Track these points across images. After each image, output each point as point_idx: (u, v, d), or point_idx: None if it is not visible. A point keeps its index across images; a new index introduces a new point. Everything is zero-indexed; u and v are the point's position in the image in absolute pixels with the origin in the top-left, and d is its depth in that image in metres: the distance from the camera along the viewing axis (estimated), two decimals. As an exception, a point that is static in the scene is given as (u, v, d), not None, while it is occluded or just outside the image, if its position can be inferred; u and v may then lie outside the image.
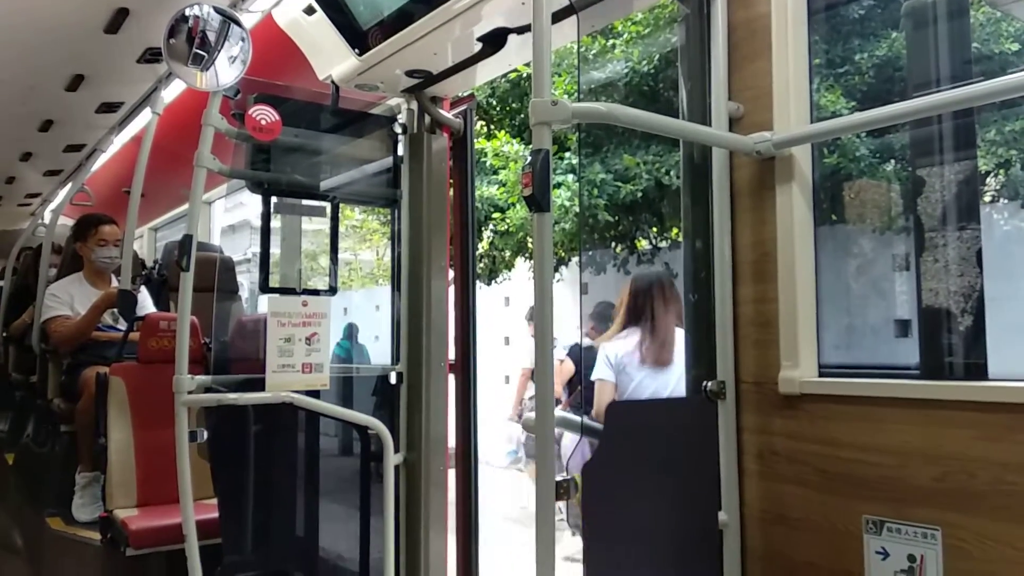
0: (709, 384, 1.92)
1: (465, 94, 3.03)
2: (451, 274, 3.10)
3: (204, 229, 6.45)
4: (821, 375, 1.82)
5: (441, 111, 2.94)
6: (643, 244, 7.54)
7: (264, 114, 2.57)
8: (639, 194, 6.59)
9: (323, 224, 3.06)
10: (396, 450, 2.72)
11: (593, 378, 3.67)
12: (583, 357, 5.27)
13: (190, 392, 2.47)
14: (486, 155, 7.47)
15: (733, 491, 1.90)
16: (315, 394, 2.57)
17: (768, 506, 1.86)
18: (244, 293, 6.48)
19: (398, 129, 3.00)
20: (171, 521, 2.69)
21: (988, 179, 5.95)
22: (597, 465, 1.65)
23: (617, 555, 1.71)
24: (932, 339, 1.72)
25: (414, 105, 2.96)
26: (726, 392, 1.91)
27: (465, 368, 3.01)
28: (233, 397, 2.50)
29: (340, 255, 3.03)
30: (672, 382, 3.47)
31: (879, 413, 1.67)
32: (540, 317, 1.54)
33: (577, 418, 1.73)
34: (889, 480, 1.64)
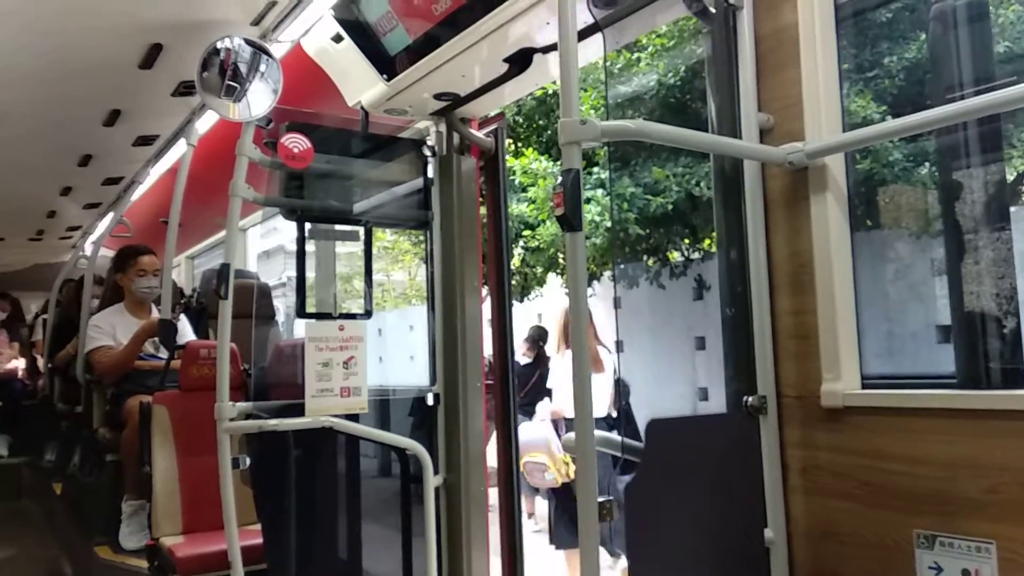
0: (750, 399, 1.89)
1: (494, 113, 3.05)
2: (484, 292, 3.11)
3: (240, 256, 6.55)
4: (864, 387, 1.79)
5: (472, 131, 2.95)
6: (675, 256, 7.50)
7: (296, 142, 2.61)
8: (670, 207, 6.56)
9: (357, 247, 3.09)
10: (435, 471, 2.72)
11: (551, 385, 5.29)
12: (516, 371, 6.70)
13: (231, 419, 2.50)
14: (514, 173, 7.49)
15: (778, 507, 1.87)
16: (355, 418, 2.59)
17: (815, 522, 1.83)
18: (280, 318, 6.56)
19: (427, 152, 3.02)
20: (217, 548, 2.72)
21: (1026, 179, 5.82)
22: (638, 483, 1.64)
23: (662, 574, 1.69)
24: (970, 346, 1.69)
25: (443, 127, 2.99)
26: (767, 407, 1.89)
27: (504, 387, 2.99)
28: (274, 423, 2.52)
29: (373, 277, 3.06)
30: (603, 383, 4.85)
31: (925, 424, 1.64)
32: (577, 338, 1.53)
33: (617, 438, 1.72)
34: (939, 493, 1.60)
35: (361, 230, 3.02)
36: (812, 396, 1.82)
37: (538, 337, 7.03)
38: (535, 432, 5.02)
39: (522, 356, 7.00)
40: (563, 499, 4.91)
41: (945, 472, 1.60)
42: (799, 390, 1.86)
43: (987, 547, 1.53)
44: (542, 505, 6.44)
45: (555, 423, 5.08)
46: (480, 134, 2.97)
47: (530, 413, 5.58)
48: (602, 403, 4.83)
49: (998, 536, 1.52)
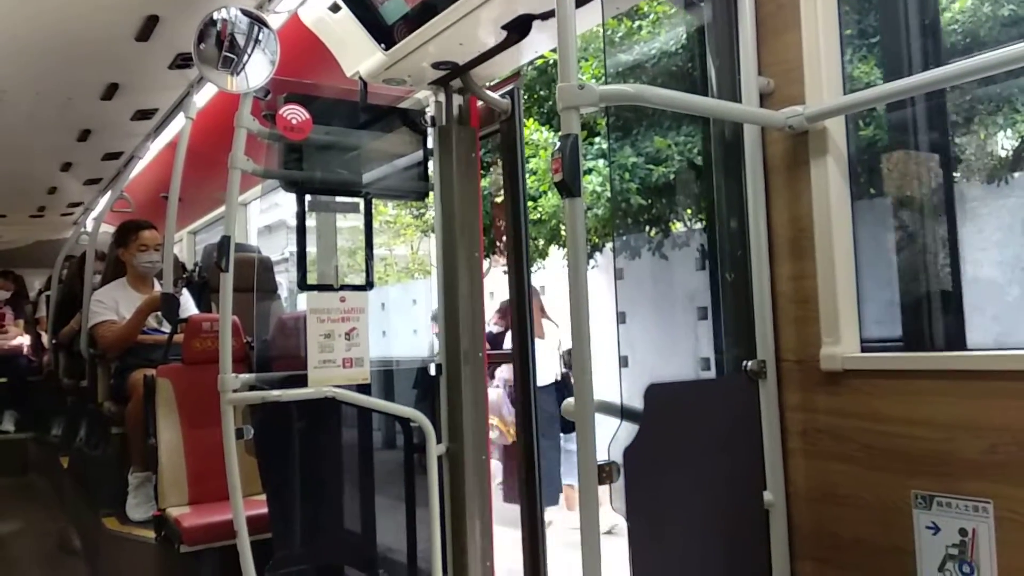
0: (749, 364, 1.90)
1: (510, 74, 2.96)
2: (487, 264, 3.11)
3: (241, 230, 6.55)
4: (863, 350, 1.80)
5: (487, 92, 2.85)
6: (678, 226, 7.48)
7: (294, 113, 2.60)
8: (672, 176, 6.54)
9: (357, 220, 3.08)
10: (438, 441, 2.74)
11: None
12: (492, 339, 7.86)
13: (235, 391, 2.51)
14: (516, 144, 7.46)
15: (778, 470, 1.88)
16: (364, 389, 2.61)
17: (814, 484, 1.84)
18: (283, 292, 6.56)
19: (427, 122, 3.01)
20: (222, 518, 2.75)
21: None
22: (638, 447, 1.65)
23: (662, 537, 1.71)
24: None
25: (442, 97, 2.96)
26: (767, 371, 1.90)
27: (523, 359, 2.94)
28: (277, 394, 2.54)
29: (375, 250, 3.06)
30: (542, 347, 5.54)
31: (924, 386, 1.65)
32: (576, 305, 1.53)
33: (616, 403, 1.73)
34: (937, 454, 1.62)
35: (361, 202, 3.02)
36: (811, 360, 1.83)
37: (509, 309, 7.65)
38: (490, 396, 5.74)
39: (493, 325, 7.64)
40: (511, 459, 5.43)
41: (943, 433, 1.61)
42: (799, 354, 1.87)
43: (984, 507, 1.54)
44: (495, 465, 7.11)
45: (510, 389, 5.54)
46: (496, 95, 2.88)
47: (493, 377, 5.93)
48: (547, 369, 5.83)
49: (996, 496, 1.53)
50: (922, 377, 1.66)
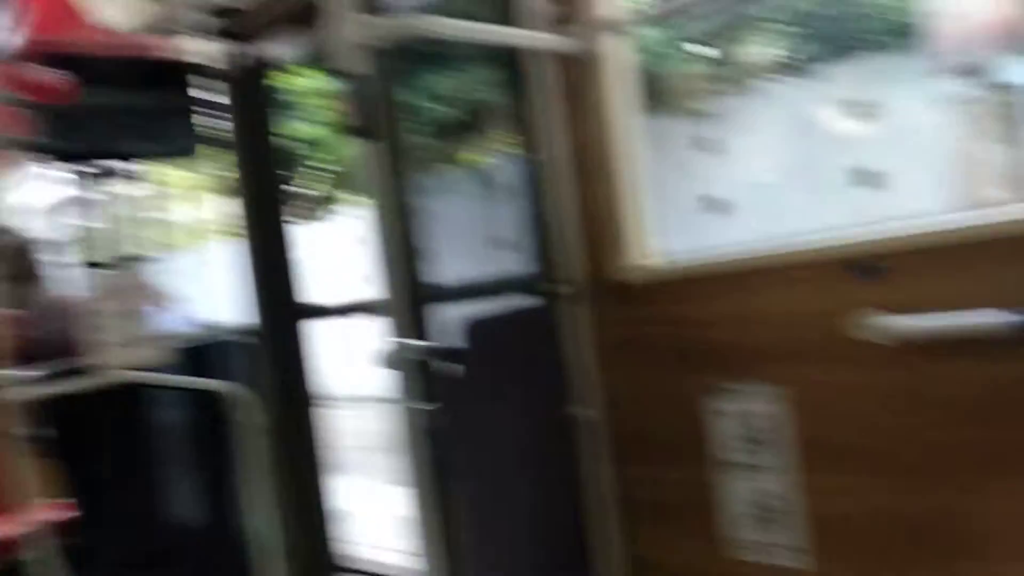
0: (553, 286, 1.96)
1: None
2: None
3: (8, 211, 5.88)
4: (656, 261, 1.91)
5: None
6: (475, 161, 7.54)
7: (47, 75, 2.35)
8: (460, 114, 6.55)
9: (145, 190, 2.86)
10: (253, 410, 2.64)
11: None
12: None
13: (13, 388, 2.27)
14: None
15: (593, 384, 1.98)
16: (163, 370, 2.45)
17: (629, 393, 1.95)
18: (74, 274, 5.99)
19: (211, 74, 2.81)
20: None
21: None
22: (462, 384, 1.67)
23: (481, 471, 1.75)
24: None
25: (229, 48, 2.78)
26: (571, 291, 1.96)
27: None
28: (58, 388, 2.31)
29: (166, 216, 2.87)
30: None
31: (716, 289, 1.79)
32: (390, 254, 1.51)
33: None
34: (733, 347, 1.77)
35: (139, 168, 2.79)
36: (613, 276, 1.92)
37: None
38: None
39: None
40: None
41: (737, 329, 1.76)
42: (601, 272, 1.95)
43: (777, 391, 1.71)
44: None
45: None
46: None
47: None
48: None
49: (787, 380, 1.70)
50: (713, 281, 1.80)
